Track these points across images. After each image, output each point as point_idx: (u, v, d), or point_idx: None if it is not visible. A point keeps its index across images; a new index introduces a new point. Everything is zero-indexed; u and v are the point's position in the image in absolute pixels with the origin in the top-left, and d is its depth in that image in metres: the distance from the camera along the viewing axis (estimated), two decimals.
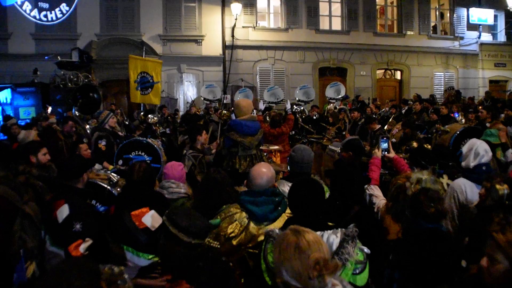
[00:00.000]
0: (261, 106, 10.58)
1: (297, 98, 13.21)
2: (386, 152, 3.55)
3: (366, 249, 2.02)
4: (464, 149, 3.38)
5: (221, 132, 8.84)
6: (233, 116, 5.11)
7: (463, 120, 8.56)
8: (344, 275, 1.90)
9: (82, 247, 2.56)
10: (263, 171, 2.67)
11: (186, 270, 1.93)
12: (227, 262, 2.20)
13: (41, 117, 8.64)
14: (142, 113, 10.64)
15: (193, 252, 1.95)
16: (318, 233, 1.95)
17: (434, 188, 2.46)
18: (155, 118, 9.38)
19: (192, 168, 4.82)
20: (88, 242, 2.53)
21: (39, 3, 13.04)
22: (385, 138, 3.66)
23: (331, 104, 12.19)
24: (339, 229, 2.03)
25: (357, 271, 1.96)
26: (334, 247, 1.94)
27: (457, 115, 8.93)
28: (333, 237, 1.96)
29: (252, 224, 2.55)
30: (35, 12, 12.99)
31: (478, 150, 3.31)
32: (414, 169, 2.65)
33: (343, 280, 1.69)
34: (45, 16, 13.31)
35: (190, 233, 1.94)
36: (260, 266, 2.03)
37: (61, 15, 13.41)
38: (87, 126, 8.11)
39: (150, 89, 11.41)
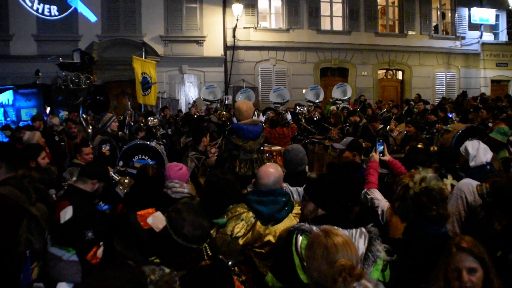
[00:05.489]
0: (261, 118, 10.47)
1: (307, 98, 13.17)
2: (381, 155, 3.52)
3: (386, 246, 2.06)
4: (470, 148, 3.39)
5: (220, 133, 8.82)
6: (234, 119, 5.06)
7: (455, 119, 8.59)
8: (376, 270, 1.93)
9: (99, 253, 2.59)
10: (271, 171, 2.69)
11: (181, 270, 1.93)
12: (225, 263, 2.20)
13: (33, 118, 8.62)
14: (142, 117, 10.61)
15: (188, 254, 1.95)
16: (346, 231, 2.00)
17: (438, 188, 2.43)
18: (155, 120, 9.34)
19: (195, 170, 4.80)
20: (102, 246, 2.56)
21: None
22: (381, 141, 3.64)
23: (335, 106, 12.19)
24: (361, 227, 2.05)
25: (384, 268, 1.99)
26: (363, 245, 1.98)
27: (450, 115, 8.94)
28: (361, 235, 2.00)
29: (259, 224, 2.55)
30: None
31: (484, 148, 3.37)
32: (419, 168, 2.61)
33: (374, 280, 1.72)
34: (31, 1, 13.38)
35: (188, 240, 1.93)
36: (291, 261, 2.03)
37: (48, 13, 13.53)
38: (89, 130, 8.09)
39: (149, 90, 11.44)
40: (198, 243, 1.96)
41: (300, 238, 2.04)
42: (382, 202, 3.00)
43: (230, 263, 2.17)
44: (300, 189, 3.34)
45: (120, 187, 4.05)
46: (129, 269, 1.43)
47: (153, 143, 5.75)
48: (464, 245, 1.84)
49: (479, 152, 3.34)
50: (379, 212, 2.94)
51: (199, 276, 1.87)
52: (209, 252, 2.00)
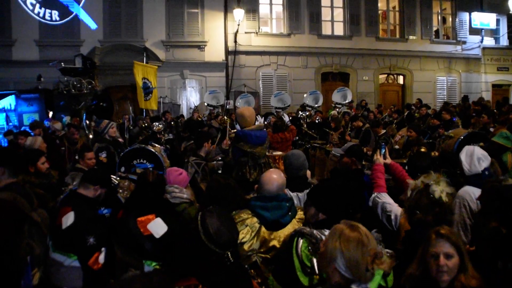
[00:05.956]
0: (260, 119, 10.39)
1: (306, 103, 13.18)
2: (382, 158, 3.48)
3: (389, 251, 2.05)
4: (464, 157, 3.30)
5: (220, 138, 8.83)
6: (237, 127, 5.05)
7: (458, 122, 8.57)
8: (377, 275, 1.92)
9: (101, 258, 2.60)
10: (274, 177, 2.70)
11: (201, 270, 1.92)
12: (243, 266, 2.19)
13: (31, 126, 8.64)
14: (143, 120, 10.62)
15: (211, 257, 1.95)
16: None
17: (428, 194, 2.42)
18: (160, 126, 9.31)
19: (195, 176, 4.80)
20: (104, 252, 2.57)
21: None
22: (383, 144, 3.64)
23: (335, 110, 12.20)
24: None
25: (387, 273, 1.99)
26: None
27: (454, 119, 8.93)
28: None
29: (263, 229, 2.56)
30: None
31: (478, 155, 3.26)
32: (432, 173, 2.57)
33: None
34: (32, 5, 13.49)
35: (214, 242, 1.92)
36: (291, 264, 2.04)
37: (49, 17, 13.66)
38: (91, 136, 8.06)
39: (150, 95, 11.50)
40: (220, 248, 1.94)
41: (300, 241, 2.05)
42: (394, 207, 2.92)
43: (246, 266, 2.17)
44: (301, 195, 3.35)
45: (120, 190, 4.05)
46: (156, 276, 1.42)
47: (150, 147, 5.73)
48: (442, 232, 1.99)
49: (473, 161, 3.24)
50: (392, 217, 2.86)
51: (220, 278, 1.89)
52: (231, 259, 1.98)
